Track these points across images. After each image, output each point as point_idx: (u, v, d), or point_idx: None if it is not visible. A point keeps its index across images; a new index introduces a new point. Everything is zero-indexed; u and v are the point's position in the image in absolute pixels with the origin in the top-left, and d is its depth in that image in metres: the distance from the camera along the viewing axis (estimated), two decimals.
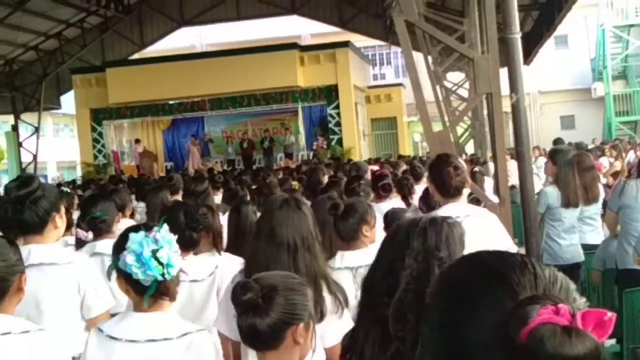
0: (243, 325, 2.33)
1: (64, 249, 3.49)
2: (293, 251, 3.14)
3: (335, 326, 3.07)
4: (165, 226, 2.66)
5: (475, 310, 1.00)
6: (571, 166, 6.41)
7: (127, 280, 2.63)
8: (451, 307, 1.04)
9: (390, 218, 4.89)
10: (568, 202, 6.32)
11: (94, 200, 4.96)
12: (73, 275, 3.37)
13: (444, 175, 4.30)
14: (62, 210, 3.51)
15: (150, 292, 2.61)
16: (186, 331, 2.63)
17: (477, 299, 1.01)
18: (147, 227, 2.69)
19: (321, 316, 3.08)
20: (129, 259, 2.56)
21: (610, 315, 0.93)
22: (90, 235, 4.83)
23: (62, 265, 3.35)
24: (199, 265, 4.00)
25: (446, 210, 4.28)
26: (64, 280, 3.26)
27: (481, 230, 4.22)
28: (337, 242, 4.57)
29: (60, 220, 3.48)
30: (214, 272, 3.99)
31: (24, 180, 3.46)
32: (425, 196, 6.59)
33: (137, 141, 28.18)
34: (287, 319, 2.32)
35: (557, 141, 13.53)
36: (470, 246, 4.02)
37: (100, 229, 4.66)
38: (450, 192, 4.33)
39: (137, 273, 2.56)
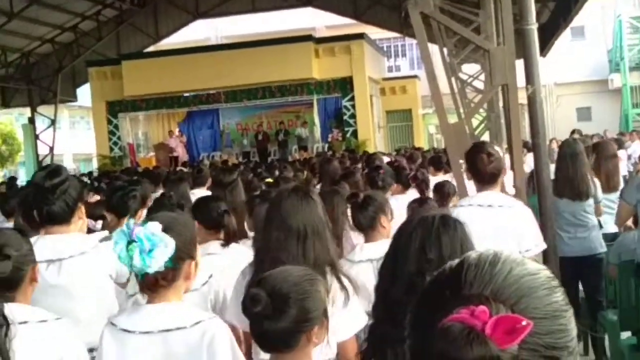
0: (256, 331, 2.29)
1: (87, 237, 3.47)
2: (303, 238, 3.10)
3: (345, 320, 3.03)
4: (150, 224, 2.52)
5: (432, 313, 0.98)
6: (572, 158, 6.31)
7: None
8: (417, 312, 1.04)
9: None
10: (557, 193, 6.22)
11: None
12: (102, 261, 3.34)
13: (477, 162, 4.36)
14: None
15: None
16: (199, 319, 2.61)
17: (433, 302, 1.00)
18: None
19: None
20: (112, 240, 2.58)
21: (525, 323, 0.91)
22: (98, 224, 4.86)
23: (88, 254, 3.33)
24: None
25: (481, 197, 4.34)
26: (94, 269, 3.23)
27: (512, 222, 4.23)
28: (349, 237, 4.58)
29: (81, 211, 3.47)
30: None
31: (54, 170, 3.41)
32: (438, 188, 6.57)
33: (170, 132, 28.49)
34: (301, 328, 2.26)
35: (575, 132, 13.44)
36: (500, 237, 4.03)
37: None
38: (485, 179, 4.38)
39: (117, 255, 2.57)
